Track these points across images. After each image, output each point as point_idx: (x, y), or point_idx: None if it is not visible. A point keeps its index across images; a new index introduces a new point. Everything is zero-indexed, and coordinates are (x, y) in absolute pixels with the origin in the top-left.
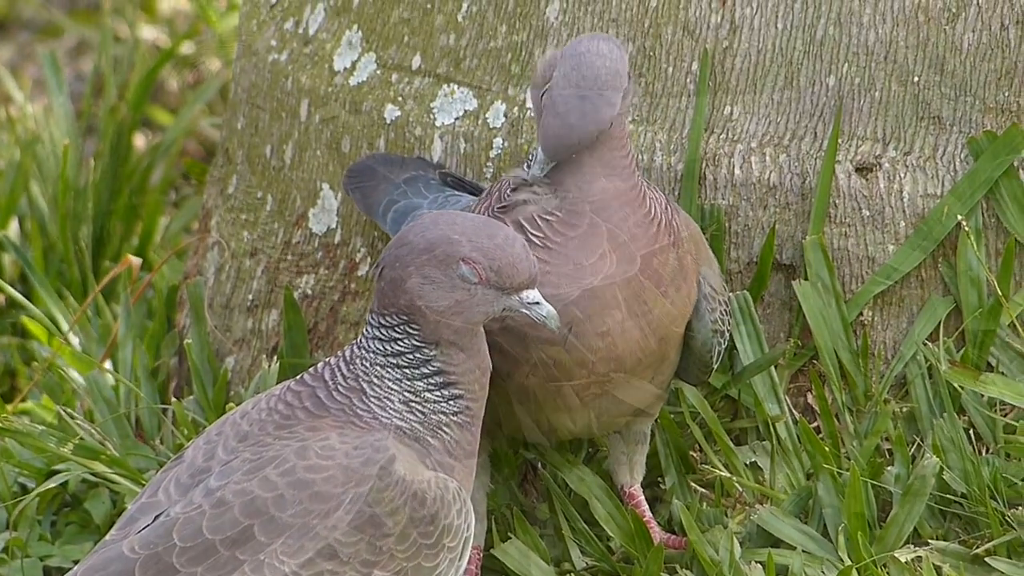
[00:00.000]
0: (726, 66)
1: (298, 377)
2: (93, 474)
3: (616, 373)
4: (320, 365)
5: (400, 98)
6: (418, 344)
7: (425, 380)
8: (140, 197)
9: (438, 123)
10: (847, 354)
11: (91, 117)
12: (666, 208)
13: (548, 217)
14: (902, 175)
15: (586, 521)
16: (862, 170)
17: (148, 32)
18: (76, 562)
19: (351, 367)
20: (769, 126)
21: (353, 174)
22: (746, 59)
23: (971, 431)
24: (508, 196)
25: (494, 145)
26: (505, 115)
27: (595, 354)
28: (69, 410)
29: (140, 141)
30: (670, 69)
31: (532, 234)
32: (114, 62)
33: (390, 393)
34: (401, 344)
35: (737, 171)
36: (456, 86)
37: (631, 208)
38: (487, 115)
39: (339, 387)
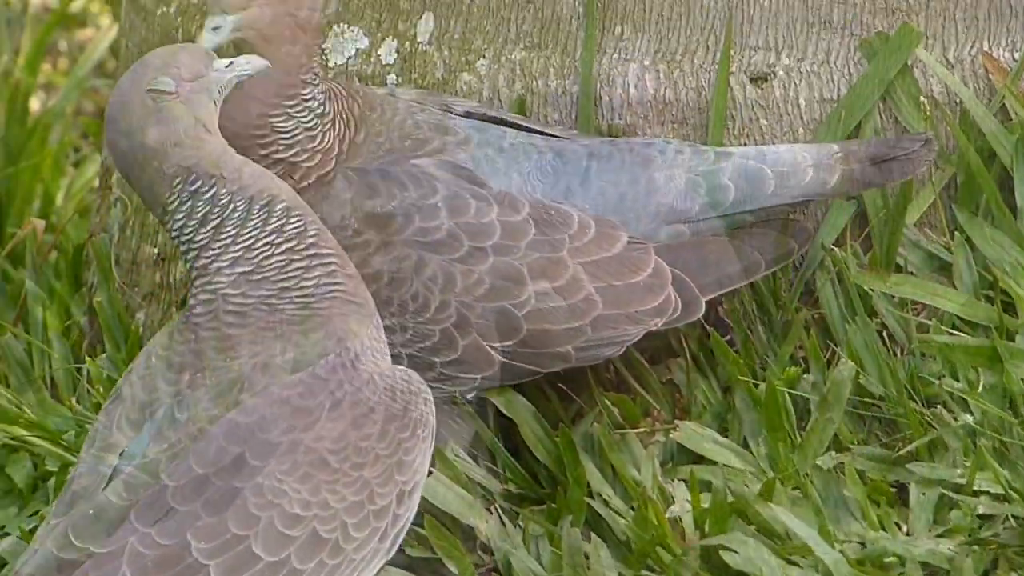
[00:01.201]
0: None
1: (185, 315)
2: (12, 438)
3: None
4: (191, 304)
5: None
6: (217, 196)
7: (265, 229)
8: (39, 160)
9: (331, 64)
10: None
11: None
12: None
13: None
14: (797, 82)
15: (517, 447)
16: (757, 80)
17: None
18: (2, 528)
19: (217, 281)
20: (661, 42)
21: None
22: None
23: (884, 333)
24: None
25: (387, 82)
26: (397, 51)
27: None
28: None
29: (35, 104)
30: None
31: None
32: (6, 26)
33: (266, 271)
34: (205, 210)
35: (632, 90)
36: (346, 26)
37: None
38: (379, 52)
39: (233, 301)
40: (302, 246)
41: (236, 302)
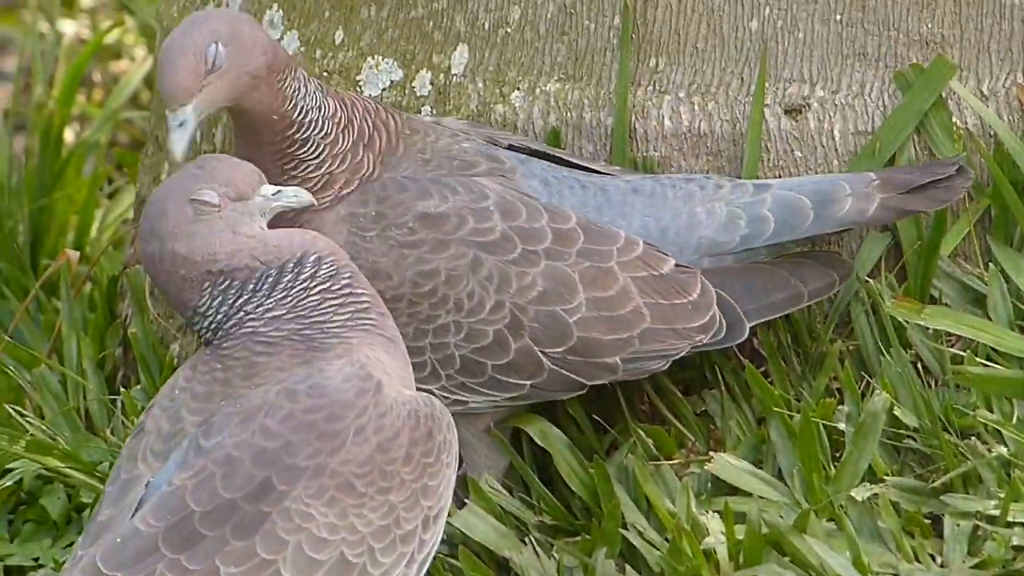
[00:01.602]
0: (648, 18)
1: (210, 349)
2: (47, 470)
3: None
4: (218, 341)
5: (326, 73)
6: (248, 282)
7: (297, 280)
8: (74, 191)
9: (366, 95)
10: None
11: (19, 115)
12: None
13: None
14: (832, 114)
15: (551, 478)
16: (791, 112)
17: (69, 26)
18: (36, 560)
19: (249, 324)
20: (695, 75)
21: None
22: (667, 9)
23: (919, 364)
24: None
25: (423, 113)
26: (431, 83)
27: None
28: (18, 408)
29: (69, 135)
30: (592, 26)
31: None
32: (40, 57)
33: (300, 311)
34: (236, 296)
35: (667, 122)
36: (380, 58)
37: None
38: (413, 84)
39: (265, 333)
40: (336, 287)
41: (268, 335)
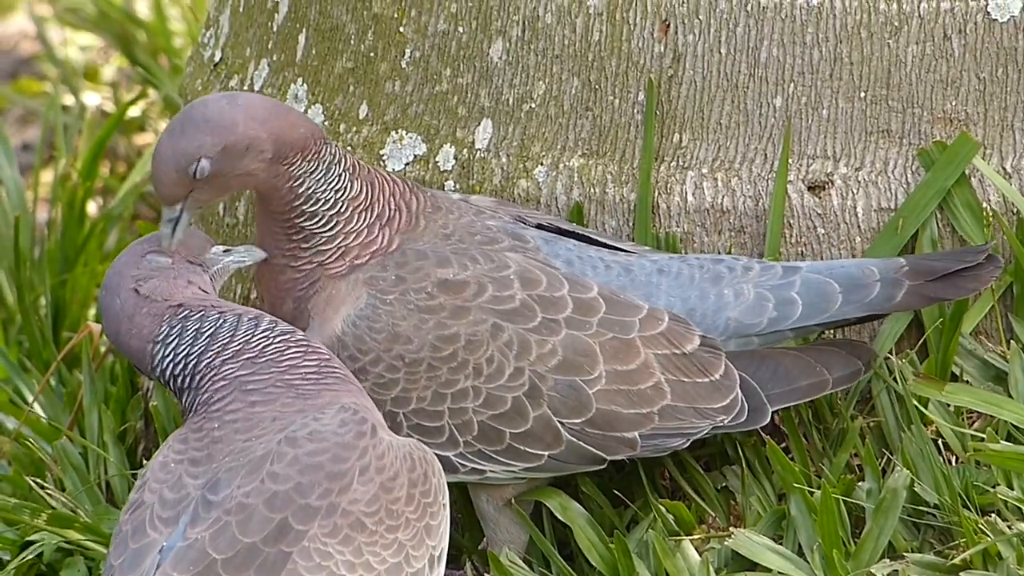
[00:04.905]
0: (672, 94)
1: (198, 416)
2: (68, 542)
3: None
4: (205, 399)
5: (349, 147)
6: (207, 315)
7: (258, 328)
8: (96, 264)
9: (389, 170)
10: None
11: (42, 187)
12: None
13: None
14: (855, 191)
15: (572, 553)
16: (814, 188)
17: (92, 98)
18: None
19: (226, 369)
20: (719, 151)
21: None
22: (691, 86)
23: (939, 441)
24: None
25: (446, 188)
26: (455, 158)
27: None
28: (39, 480)
29: (92, 208)
30: (616, 101)
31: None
32: (63, 130)
33: (269, 354)
34: (196, 327)
35: (690, 198)
36: (404, 132)
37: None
38: (437, 159)
39: (251, 380)
40: (295, 339)
41: (255, 380)
